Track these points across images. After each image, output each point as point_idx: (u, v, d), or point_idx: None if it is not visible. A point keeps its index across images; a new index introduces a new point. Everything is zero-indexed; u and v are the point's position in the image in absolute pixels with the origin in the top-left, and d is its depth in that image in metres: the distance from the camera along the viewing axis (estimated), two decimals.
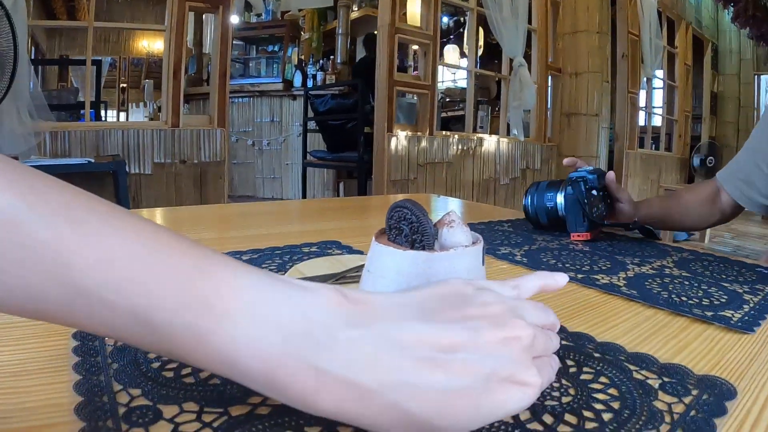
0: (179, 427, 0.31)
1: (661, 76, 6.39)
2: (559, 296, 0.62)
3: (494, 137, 4.51)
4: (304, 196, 4.44)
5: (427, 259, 0.39)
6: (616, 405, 0.36)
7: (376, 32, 3.88)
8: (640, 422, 0.34)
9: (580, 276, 0.70)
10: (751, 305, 0.61)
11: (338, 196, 5.49)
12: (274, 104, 5.38)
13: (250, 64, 6.14)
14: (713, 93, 7.89)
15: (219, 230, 0.77)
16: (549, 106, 4.95)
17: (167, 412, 0.32)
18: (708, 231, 4.16)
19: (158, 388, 0.35)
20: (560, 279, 0.39)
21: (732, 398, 0.38)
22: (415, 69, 6.25)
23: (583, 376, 0.40)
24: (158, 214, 0.95)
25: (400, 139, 3.73)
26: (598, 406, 0.36)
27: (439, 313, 0.30)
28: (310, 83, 5.48)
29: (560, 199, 0.92)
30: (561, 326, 0.45)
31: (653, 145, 6.66)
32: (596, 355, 0.44)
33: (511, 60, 4.31)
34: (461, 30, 7.56)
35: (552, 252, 0.82)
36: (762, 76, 7.88)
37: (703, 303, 0.61)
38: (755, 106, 7.91)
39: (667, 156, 6.91)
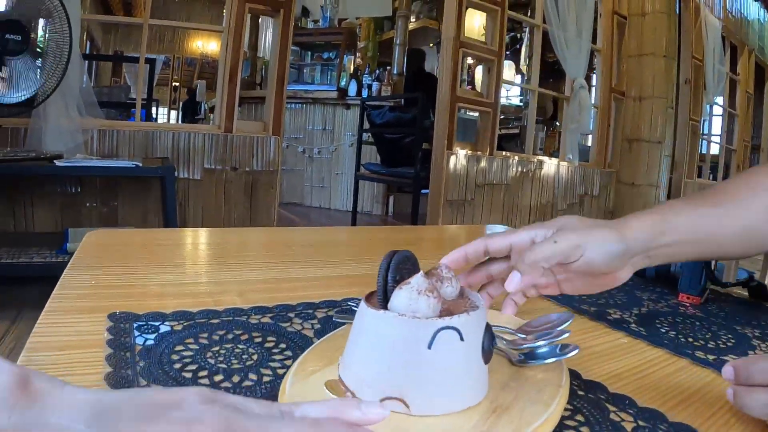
0: None
1: (722, 104, 6.15)
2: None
3: (554, 160, 4.43)
4: (354, 209, 4.44)
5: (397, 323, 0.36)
6: None
7: (423, 48, 3.85)
8: None
9: (711, 358, 0.56)
10: None
11: (387, 210, 5.50)
12: (327, 112, 5.40)
13: (305, 71, 6.19)
14: None
15: (267, 268, 0.77)
16: (611, 130, 4.81)
17: None
18: None
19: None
20: (373, 414, 0.29)
21: None
22: (469, 84, 6.21)
23: None
24: (204, 235, 0.97)
25: (459, 158, 3.69)
26: None
27: (120, 423, 0.24)
28: (365, 93, 5.47)
29: None
30: None
31: (711, 175, 6.42)
32: None
33: (573, 81, 4.23)
34: (517, 46, 7.50)
35: (665, 318, 0.69)
36: None
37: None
38: None
39: None
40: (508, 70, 6.86)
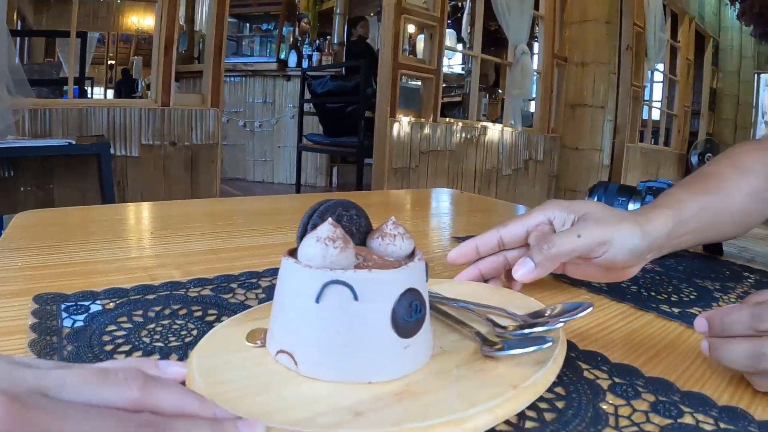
0: None
1: (662, 70, 6.34)
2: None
3: (498, 126, 4.45)
4: (298, 181, 4.37)
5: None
6: None
7: (365, 16, 3.80)
8: None
9: (677, 311, 0.55)
10: None
11: (331, 181, 5.45)
12: (268, 84, 5.28)
13: (243, 43, 6.04)
14: (712, 89, 7.90)
15: (209, 239, 0.72)
16: (554, 95, 4.87)
17: None
18: None
19: None
20: (170, 372, 0.28)
21: None
22: (410, 53, 6.17)
23: None
24: (141, 210, 0.90)
25: (402, 125, 3.67)
26: None
27: None
28: (305, 64, 5.39)
29: (633, 207, 0.79)
30: None
31: (652, 140, 6.64)
32: None
33: (515, 47, 4.24)
34: (459, 15, 7.50)
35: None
36: (762, 75, 7.86)
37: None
38: (754, 104, 7.91)
39: (666, 151, 6.87)
40: (450, 39, 6.85)
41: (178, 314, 0.44)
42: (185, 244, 0.66)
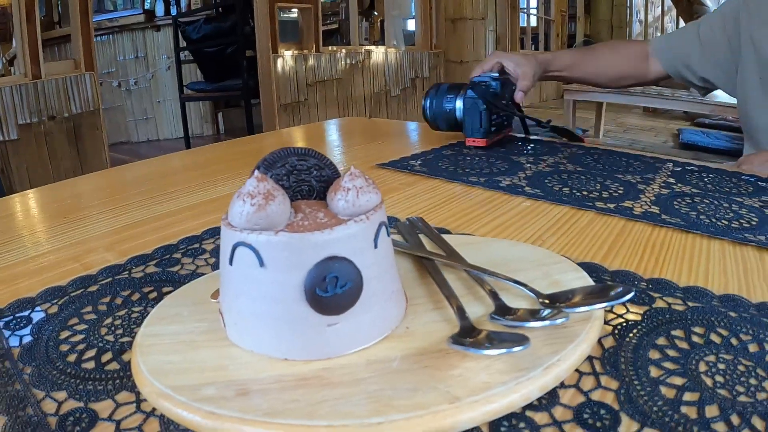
0: (121, 425, 0.27)
1: None
2: (496, 210, 0.59)
3: (381, 48, 4.42)
4: (186, 134, 4.16)
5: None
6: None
7: None
8: None
9: (483, 179, 0.68)
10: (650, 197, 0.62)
11: (218, 128, 5.24)
12: (137, 39, 4.89)
13: None
14: None
15: (130, 210, 0.65)
16: (433, 12, 4.86)
17: (103, 410, 0.29)
18: (602, 128, 4.35)
19: (84, 384, 0.30)
20: None
21: None
22: None
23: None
24: (32, 198, 0.80)
25: (286, 60, 3.55)
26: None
27: None
28: (174, 11, 5.03)
29: (459, 103, 0.87)
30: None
31: (533, 46, 6.85)
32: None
33: None
34: None
35: (448, 159, 0.80)
36: None
37: (603, 196, 0.61)
38: (628, 4, 8.23)
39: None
40: None
41: (131, 300, 0.40)
42: (107, 221, 0.60)
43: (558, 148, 0.86)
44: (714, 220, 0.54)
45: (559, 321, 0.28)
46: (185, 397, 0.26)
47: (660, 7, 8.15)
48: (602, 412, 0.27)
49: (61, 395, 0.30)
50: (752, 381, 0.29)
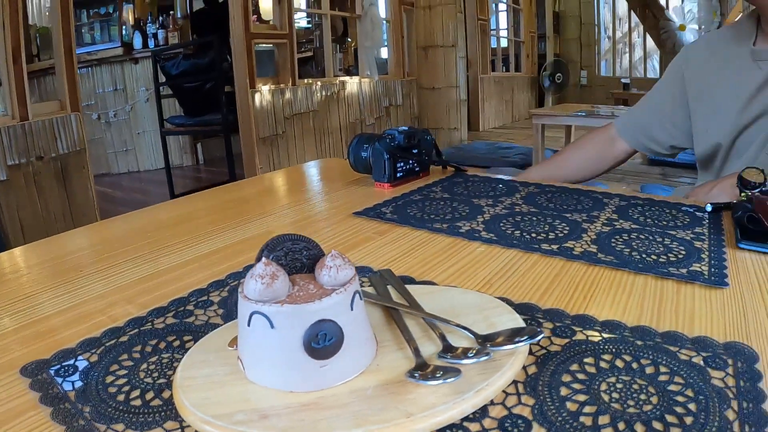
0: None
1: (506, 0, 6.66)
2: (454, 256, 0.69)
3: (355, 78, 4.54)
4: (168, 167, 4.18)
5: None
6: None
7: None
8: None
9: (445, 226, 0.78)
10: (592, 237, 0.72)
11: (198, 158, 5.31)
12: (116, 71, 5.02)
13: (83, 31, 5.61)
14: (555, 13, 8.39)
15: (140, 263, 0.72)
16: (405, 41, 5.01)
17: None
18: None
19: (136, 417, 0.39)
20: None
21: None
22: (254, 13, 6.04)
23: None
24: (49, 248, 0.86)
25: (263, 94, 3.66)
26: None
27: None
28: (151, 44, 5.14)
29: (369, 152, 1.03)
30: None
31: (504, 68, 7.00)
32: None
33: None
34: None
35: (416, 204, 0.90)
36: None
37: (549, 237, 0.71)
38: (596, 22, 8.48)
39: (518, 76, 7.31)
40: None
41: (159, 348, 0.49)
42: (120, 275, 0.67)
43: (517, 187, 0.97)
44: (644, 255, 0.64)
45: (483, 359, 0.40)
46: (223, 422, 0.36)
47: (627, 23, 8.41)
48: (519, 422, 0.37)
49: (120, 426, 0.38)
50: (642, 396, 0.39)
